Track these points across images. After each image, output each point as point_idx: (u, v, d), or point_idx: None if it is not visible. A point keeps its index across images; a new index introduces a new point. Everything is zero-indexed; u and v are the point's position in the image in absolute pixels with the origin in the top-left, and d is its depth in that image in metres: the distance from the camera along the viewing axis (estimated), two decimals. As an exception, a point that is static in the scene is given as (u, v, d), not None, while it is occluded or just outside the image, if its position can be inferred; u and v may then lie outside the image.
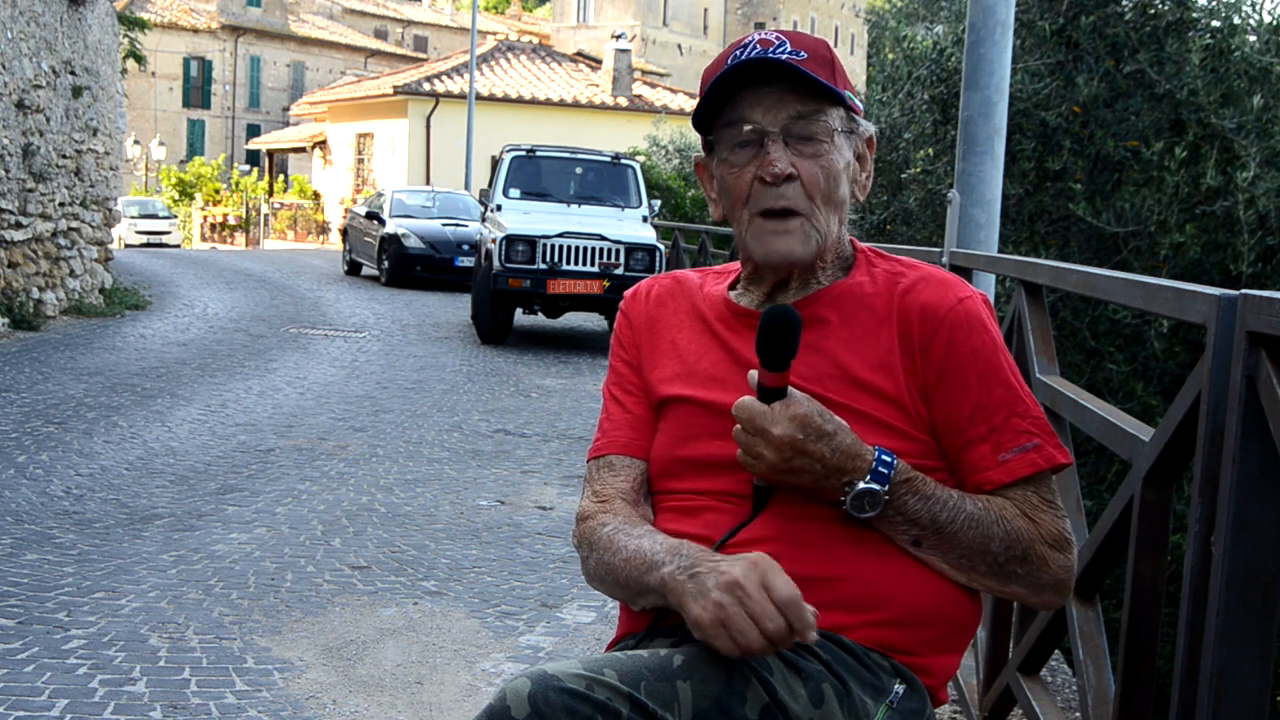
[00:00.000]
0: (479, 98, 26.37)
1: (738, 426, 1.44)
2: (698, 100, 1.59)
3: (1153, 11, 7.27)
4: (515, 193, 12.02)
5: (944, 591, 1.50)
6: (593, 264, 10.97)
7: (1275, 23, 7.18)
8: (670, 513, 1.58)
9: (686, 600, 1.36)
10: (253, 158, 44.31)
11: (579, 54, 35.71)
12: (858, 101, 1.58)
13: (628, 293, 1.74)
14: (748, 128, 1.53)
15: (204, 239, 36.45)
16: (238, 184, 38.14)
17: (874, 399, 1.51)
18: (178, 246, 31.80)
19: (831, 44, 1.62)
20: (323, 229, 33.33)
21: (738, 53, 1.54)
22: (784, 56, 1.51)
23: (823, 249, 1.56)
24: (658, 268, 10.98)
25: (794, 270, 1.58)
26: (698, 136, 1.65)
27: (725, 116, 1.55)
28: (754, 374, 1.44)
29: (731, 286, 1.67)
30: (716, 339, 1.62)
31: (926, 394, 1.52)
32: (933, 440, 1.52)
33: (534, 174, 12.27)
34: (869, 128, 1.60)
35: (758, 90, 1.52)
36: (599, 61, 32.47)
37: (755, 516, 1.48)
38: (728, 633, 1.32)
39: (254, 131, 47.16)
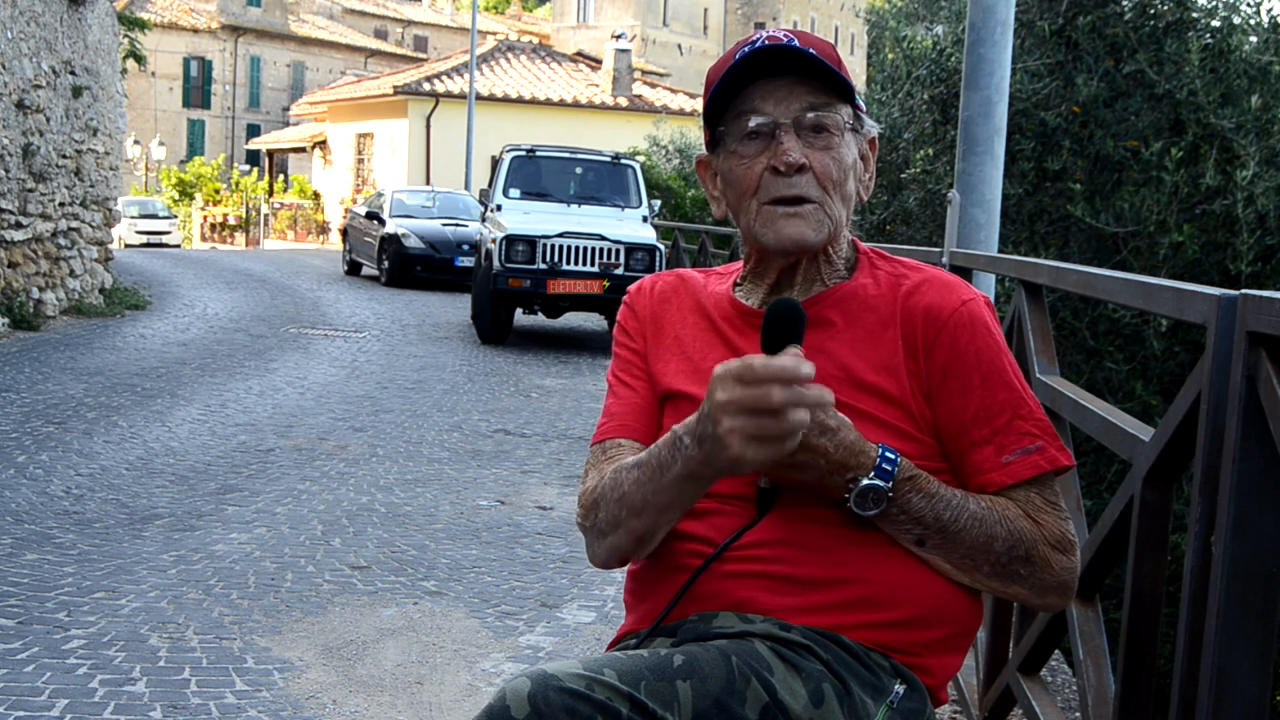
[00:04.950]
0: (479, 98, 26.37)
1: None
2: (704, 94, 1.58)
3: (1152, 11, 7.28)
4: (515, 193, 12.02)
5: (946, 594, 1.50)
6: (593, 264, 10.97)
7: (1274, 22, 7.18)
8: None
9: (715, 460, 1.35)
10: (253, 158, 44.29)
11: (579, 54, 35.69)
12: (861, 102, 1.58)
13: (632, 287, 1.73)
14: (760, 119, 1.52)
15: (204, 239, 36.44)
16: (238, 184, 38.12)
17: (879, 401, 1.51)
18: (178, 246, 31.79)
19: (832, 44, 1.62)
20: (323, 229, 33.32)
21: (746, 48, 1.53)
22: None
23: (832, 237, 1.56)
24: (658, 268, 10.98)
25: (803, 257, 1.56)
26: (698, 136, 1.64)
27: (735, 108, 1.54)
28: None
29: (736, 286, 1.66)
30: (721, 337, 1.61)
31: (930, 396, 1.52)
32: (936, 442, 1.52)
33: (534, 174, 12.27)
34: (874, 127, 1.60)
35: (770, 82, 1.52)
36: (599, 61, 32.46)
37: (761, 519, 1.48)
38: (763, 443, 1.31)
39: (254, 131, 47.14)
